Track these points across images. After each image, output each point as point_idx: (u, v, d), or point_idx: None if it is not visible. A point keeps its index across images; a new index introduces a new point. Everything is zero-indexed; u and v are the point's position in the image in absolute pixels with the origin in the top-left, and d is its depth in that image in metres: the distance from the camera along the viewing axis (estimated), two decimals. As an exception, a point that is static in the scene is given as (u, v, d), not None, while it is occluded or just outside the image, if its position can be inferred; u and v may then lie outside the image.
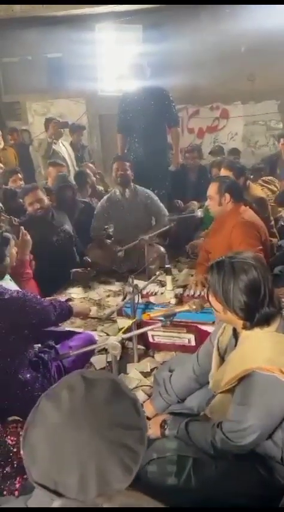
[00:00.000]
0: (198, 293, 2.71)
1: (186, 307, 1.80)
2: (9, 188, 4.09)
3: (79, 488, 0.79)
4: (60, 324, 2.53)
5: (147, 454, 1.58)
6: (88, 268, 3.80)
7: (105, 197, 4.08)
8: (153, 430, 1.67)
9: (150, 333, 2.60)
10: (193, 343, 2.52)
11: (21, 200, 3.83)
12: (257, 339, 1.45)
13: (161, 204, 4.01)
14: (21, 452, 0.87)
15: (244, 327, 1.47)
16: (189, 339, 2.51)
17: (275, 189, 4.48)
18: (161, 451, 1.55)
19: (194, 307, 1.73)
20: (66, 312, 2.28)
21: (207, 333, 2.35)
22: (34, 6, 6.11)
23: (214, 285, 1.48)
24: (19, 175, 4.46)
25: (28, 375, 1.96)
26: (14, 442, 1.65)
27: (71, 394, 0.87)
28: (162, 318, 1.85)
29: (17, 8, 6.24)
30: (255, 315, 1.42)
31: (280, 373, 1.34)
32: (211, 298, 1.52)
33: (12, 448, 1.65)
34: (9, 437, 1.65)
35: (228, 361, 1.55)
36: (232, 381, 1.46)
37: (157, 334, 2.60)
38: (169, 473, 1.48)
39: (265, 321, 1.43)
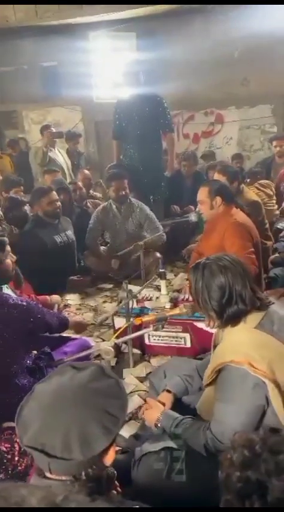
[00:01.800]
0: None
1: (177, 311, 1.82)
2: (15, 197, 4.11)
3: (63, 447, 0.90)
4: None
5: (141, 448, 1.60)
6: (85, 277, 3.83)
7: (100, 207, 4.07)
8: (149, 417, 1.68)
9: (146, 334, 2.61)
10: (188, 344, 2.54)
11: (25, 208, 3.86)
12: (234, 335, 1.50)
13: (153, 217, 3.99)
14: (15, 426, 0.99)
15: (219, 325, 1.54)
16: (185, 338, 2.52)
17: (271, 192, 4.49)
18: (154, 445, 1.57)
19: (184, 310, 1.75)
20: (63, 324, 2.31)
21: (201, 331, 2.39)
22: (29, 16, 6.17)
23: (191, 285, 1.56)
24: (21, 187, 4.46)
25: (25, 381, 1.97)
26: (8, 449, 1.66)
27: (60, 377, 1.02)
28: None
29: (12, 18, 6.30)
30: (223, 314, 1.48)
31: (250, 366, 1.38)
32: None
33: (6, 455, 1.65)
34: (3, 444, 1.65)
35: (212, 356, 1.60)
36: (211, 375, 1.51)
37: (153, 335, 2.61)
38: (162, 466, 1.49)
39: (236, 319, 1.48)
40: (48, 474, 0.96)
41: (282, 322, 1.50)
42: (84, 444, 0.91)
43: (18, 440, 1.00)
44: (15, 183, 4.42)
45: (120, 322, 2.63)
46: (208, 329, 2.14)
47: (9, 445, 1.64)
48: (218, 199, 2.79)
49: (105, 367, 1.09)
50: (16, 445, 1.64)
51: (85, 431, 0.93)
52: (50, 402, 0.98)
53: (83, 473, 0.94)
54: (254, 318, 1.48)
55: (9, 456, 1.62)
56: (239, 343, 1.45)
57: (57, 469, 0.93)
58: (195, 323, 2.47)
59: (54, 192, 3.70)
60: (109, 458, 1.00)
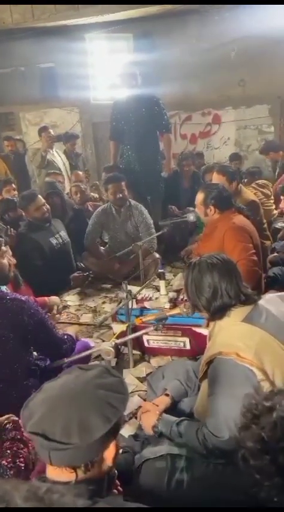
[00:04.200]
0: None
1: (177, 311, 1.82)
2: (11, 198, 4.11)
3: (63, 432, 0.94)
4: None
5: (141, 455, 1.60)
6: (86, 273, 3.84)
7: (100, 209, 4.06)
8: (145, 422, 1.69)
9: (145, 338, 2.61)
10: (188, 346, 2.53)
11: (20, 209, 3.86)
12: (223, 329, 1.58)
13: (149, 223, 3.98)
14: (21, 417, 1.03)
15: (208, 319, 1.63)
16: (184, 342, 2.52)
17: (269, 192, 4.51)
18: (154, 451, 1.57)
19: (185, 310, 1.75)
20: (71, 341, 2.24)
21: (201, 335, 2.38)
22: (25, 17, 6.18)
23: (184, 282, 1.69)
24: (13, 185, 4.49)
25: (29, 383, 1.97)
26: (10, 464, 1.63)
27: (68, 376, 1.08)
28: (154, 322, 1.87)
29: (9, 19, 6.31)
30: (210, 307, 1.58)
31: (237, 356, 1.43)
32: None
33: (8, 471, 1.62)
34: (4, 458, 1.62)
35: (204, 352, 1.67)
36: (203, 368, 1.57)
37: (152, 339, 2.61)
38: (162, 472, 1.49)
39: (223, 311, 1.57)
40: (49, 475, 0.96)
41: (269, 315, 1.58)
42: (82, 430, 0.94)
43: (22, 427, 1.03)
44: (5, 183, 4.44)
45: (118, 328, 2.61)
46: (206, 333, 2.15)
47: (10, 459, 1.61)
48: (212, 208, 2.79)
49: (110, 368, 1.14)
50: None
51: (84, 418, 0.96)
52: (55, 394, 1.03)
53: (83, 467, 0.95)
54: (240, 311, 1.57)
55: (12, 472, 1.58)
56: (227, 336, 1.54)
57: (57, 458, 0.95)
58: (194, 329, 2.45)
59: (40, 197, 3.65)
60: (110, 454, 1.01)
